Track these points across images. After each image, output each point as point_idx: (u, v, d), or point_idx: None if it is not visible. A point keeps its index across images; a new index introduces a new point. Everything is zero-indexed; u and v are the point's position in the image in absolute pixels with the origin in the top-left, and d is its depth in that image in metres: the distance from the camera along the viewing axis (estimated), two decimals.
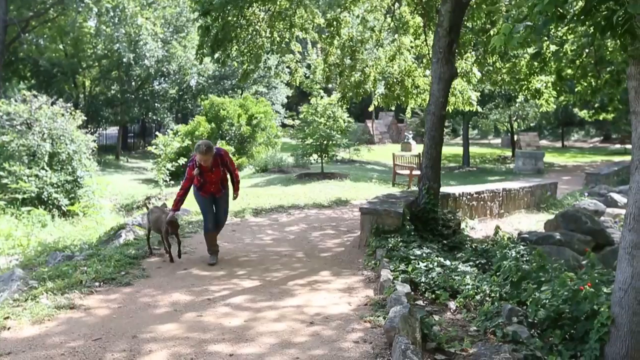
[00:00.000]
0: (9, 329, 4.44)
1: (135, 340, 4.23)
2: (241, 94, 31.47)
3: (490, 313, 4.53)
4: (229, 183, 6.91)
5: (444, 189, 9.72)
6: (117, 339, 4.26)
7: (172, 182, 20.60)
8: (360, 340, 4.21)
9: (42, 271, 6.35)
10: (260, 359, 3.89)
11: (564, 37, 7.00)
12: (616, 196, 13.77)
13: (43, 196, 14.04)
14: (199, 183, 6.61)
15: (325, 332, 4.40)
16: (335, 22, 10.86)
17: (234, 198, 6.98)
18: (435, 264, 5.90)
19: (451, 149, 32.83)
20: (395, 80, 11.66)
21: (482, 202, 11.54)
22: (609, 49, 6.57)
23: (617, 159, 26.96)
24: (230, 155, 6.95)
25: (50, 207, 14.08)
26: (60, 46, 35.36)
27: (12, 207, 13.26)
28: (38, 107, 15.17)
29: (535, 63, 8.91)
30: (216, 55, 10.03)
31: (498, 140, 43.06)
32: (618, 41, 3.66)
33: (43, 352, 3.99)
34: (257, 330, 4.47)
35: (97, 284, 5.69)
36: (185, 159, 22.89)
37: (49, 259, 7.59)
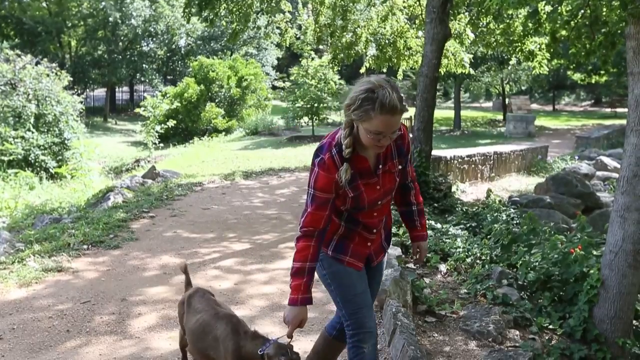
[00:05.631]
0: None
1: (125, 303, 4.20)
2: (231, 55, 30.96)
3: (481, 276, 4.54)
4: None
5: (435, 152, 9.66)
6: (106, 301, 4.23)
7: (162, 144, 20.43)
8: None
9: (29, 234, 6.30)
10: (251, 322, 3.88)
11: None
12: (606, 159, 13.81)
13: (30, 158, 13.87)
14: (339, 226, 2.53)
15: (316, 295, 4.36)
16: None
17: (419, 260, 2.92)
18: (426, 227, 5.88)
19: (442, 112, 32.67)
20: (387, 41, 11.45)
21: (473, 166, 11.52)
22: (605, 8, 6.44)
23: (607, 122, 26.97)
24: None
25: (38, 169, 13.94)
26: (44, 4, 34.44)
27: None
28: (22, 67, 14.85)
29: (530, 24, 8.74)
30: (204, 14, 9.76)
31: (489, 104, 42.89)
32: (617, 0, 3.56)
33: (30, 315, 3.95)
34: (248, 292, 4.46)
35: (85, 246, 5.64)
36: (175, 122, 22.65)
37: (36, 222, 7.52)
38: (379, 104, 2.12)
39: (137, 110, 22.35)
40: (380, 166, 2.41)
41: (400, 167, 2.50)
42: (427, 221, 6.09)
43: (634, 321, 3.93)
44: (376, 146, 2.26)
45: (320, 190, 2.34)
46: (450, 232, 5.76)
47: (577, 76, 11.61)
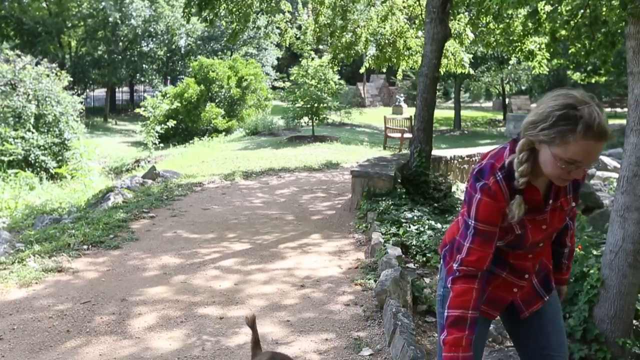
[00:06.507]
0: None
1: (125, 303, 4.20)
2: (231, 55, 30.96)
3: None
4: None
5: (435, 152, 9.66)
6: (106, 302, 4.23)
7: (162, 145, 20.43)
8: (350, 303, 4.20)
9: (30, 234, 6.30)
10: None
11: None
12: (606, 159, 13.81)
13: (30, 158, 13.87)
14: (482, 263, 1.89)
15: (316, 295, 4.39)
16: None
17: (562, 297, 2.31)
18: (427, 227, 5.89)
19: (442, 112, 32.69)
20: (387, 41, 11.45)
21: (473, 166, 11.52)
22: (605, 8, 6.44)
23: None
24: None
25: (38, 169, 13.94)
26: (44, 4, 34.45)
27: None
28: (22, 68, 14.84)
29: (530, 24, 8.74)
30: (204, 14, 9.76)
31: (489, 104, 42.89)
32: None
33: (31, 315, 3.95)
34: (247, 292, 4.46)
35: (85, 247, 5.64)
36: (175, 122, 22.62)
37: (36, 222, 7.52)
38: (584, 126, 1.64)
39: (137, 110, 22.33)
40: (551, 201, 1.91)
41: (573, 204, 2.00)
42: (427, 221, 6.09)
43: (634, 321, 3.93)
44: (561, 179, 1.77)
45: (484, 223, 1.85)
46: None
47: (577, 76, 11.58)
